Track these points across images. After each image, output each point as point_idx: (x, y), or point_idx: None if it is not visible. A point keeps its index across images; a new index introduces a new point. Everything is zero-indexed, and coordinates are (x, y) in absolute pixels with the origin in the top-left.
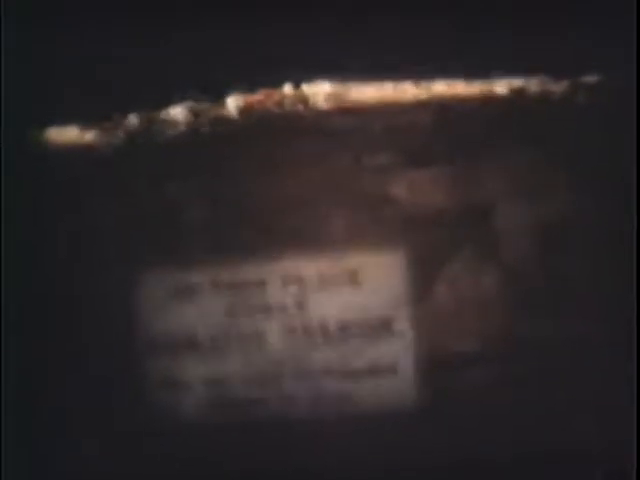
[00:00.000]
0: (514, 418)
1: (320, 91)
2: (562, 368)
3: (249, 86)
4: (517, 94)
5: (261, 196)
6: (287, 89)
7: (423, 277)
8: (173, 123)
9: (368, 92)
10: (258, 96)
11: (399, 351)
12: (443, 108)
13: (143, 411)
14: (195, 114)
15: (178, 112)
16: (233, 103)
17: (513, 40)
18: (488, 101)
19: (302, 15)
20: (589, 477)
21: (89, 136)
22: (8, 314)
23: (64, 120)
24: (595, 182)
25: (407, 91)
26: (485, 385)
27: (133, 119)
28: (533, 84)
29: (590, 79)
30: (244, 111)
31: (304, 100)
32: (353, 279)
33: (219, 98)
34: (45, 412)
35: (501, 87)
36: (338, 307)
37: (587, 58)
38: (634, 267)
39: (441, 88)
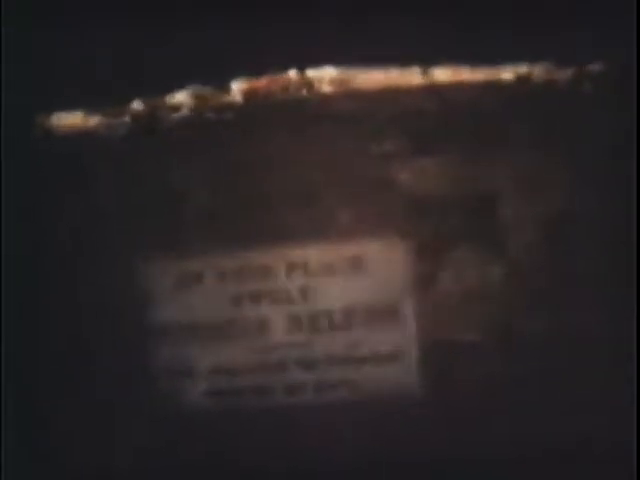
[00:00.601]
0: (515, 408)
1: (325, 76)
2: (563, 359)
3: (254, 71)
4: (522, 81)
5: (266, 183)
6: (292, 74)
7: (427, 265)
8: (177, 108)
9: (374, 78)
10: (263, 81)
11: (403, 338)
12: (449, 94)
13: (148, 400)
14: (199, 99)
15: (182, 97)
16: (238, 88)
17: (519, 26)
18: (494, 87)
19: (309, 1)
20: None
21: (93, 121)
22: (10, 302)
23: (69, 105)
24: (599, 172)
25: (413, 77)
26: (487, 374)
27: (137, 104)
28: (538, 71)
29: (595, 67)
30: (248, 96)
31: (309, 85)
32: (357, 266)
33: (223, 83)
34: (49, 401)
35: (507, 74)
36: (342, 294)
37: (593, 46)
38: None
39: (447, 74)
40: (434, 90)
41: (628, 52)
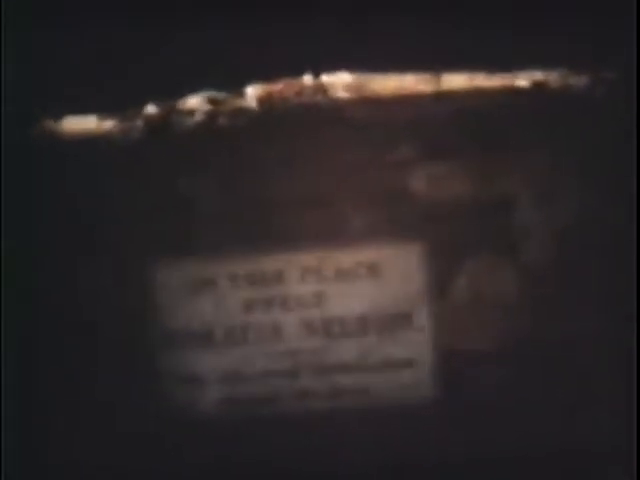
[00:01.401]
0: (528, 415)
1: (340, 82)
2: (578, 367)
3: (268, 76)
4: (538, 87)
5: (279, 188)
6: (307, 79)
7: (442, 272)
8: (192, 113)
9: (388, 83)
10: (277, 86)
11: (417, 345)
12: (464, 101)
13: (159, 405)
14: (214, 104)
15: (197, 102)
16: (252, 93)
17: (534, 33)
18: (509, 94)
19: (324, 4)
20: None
21: (107, 125)
22: (18, 308)
23: (82, 109)
24: (615, 178)
25: (428, 83)
26: (501, 382)
27: (151, 108)
28: (553, 77)
29: (611, 73)
30: (263, 101)
31: (324, 91)
32: (372, 273)
33: (238, 88)
34: (58, 406)
35: (522, 80)
36: (356, 301)
37: (608, 52)
38: None
39: (462, 81)
40: (449, 96)
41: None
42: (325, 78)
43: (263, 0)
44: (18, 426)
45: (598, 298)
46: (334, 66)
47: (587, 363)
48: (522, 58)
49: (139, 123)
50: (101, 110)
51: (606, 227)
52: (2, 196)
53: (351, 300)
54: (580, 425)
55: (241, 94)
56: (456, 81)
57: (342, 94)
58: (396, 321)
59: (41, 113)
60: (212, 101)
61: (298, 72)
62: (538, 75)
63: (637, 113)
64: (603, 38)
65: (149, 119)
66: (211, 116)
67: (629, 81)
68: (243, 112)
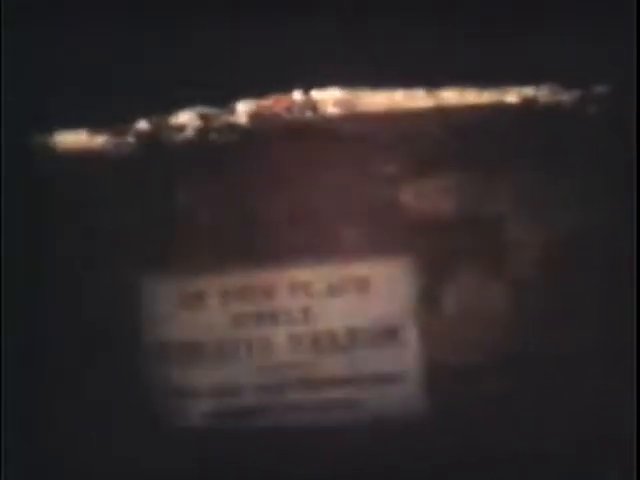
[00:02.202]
0: (519, 429)
1: (330, 97)
2: (567, 380)
3: (259, 92)
4: (528, 103)
5: (269, 203)
6: (297, 95)
7: (431, 286)
8: (182, 128)
9: (378, 99)
10: (268, 102)
11: (405, 359)
12: (453, 117)
13: (148, 419)
14: (205, 120)
15: (188, 117)
16: (243, 109)
17: (525, 49)
18: (499, 109)
19: (313, 20)
20: None
21: (99, 141)
22: (11, 321)
23: (74, 124)
24: (604, 193)
25: (417, 99)
26: (489, 395)
27: (143, 124)
28: (544, 93)
29: (601, 89)
30: (253, 117)
31: (313, 106)
32: (361, 287)
33: (228, 104)
34: (50, 420)
35: (512, 96)
36: (345, 315)
37: (598, 68)
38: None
39: (452, 96)
40: (439, 112)
41: (633, 74)
42: (315, 94)
43: (254, 17)
44: (17, 438)
45: (588, 312)
46: (324, 82)
47: (578, 377)
48: (512, 74)
49: (130, 139)
50: (93, 125)
51: (596, 241)
52: None
53: (340, 314)
54: (570, 438)
55: (232, 110)
56: (446, 97)
57: (332, 110)
58: (385, 335)
59: (33, 128)
60: (203, 117)
61: (288, 88)
62: (528, 91)
63: (629, 128)
64: (594, 54)
65: (140, 134)
66: (202, 132)
67: (619, 96)
68: (233, 128)
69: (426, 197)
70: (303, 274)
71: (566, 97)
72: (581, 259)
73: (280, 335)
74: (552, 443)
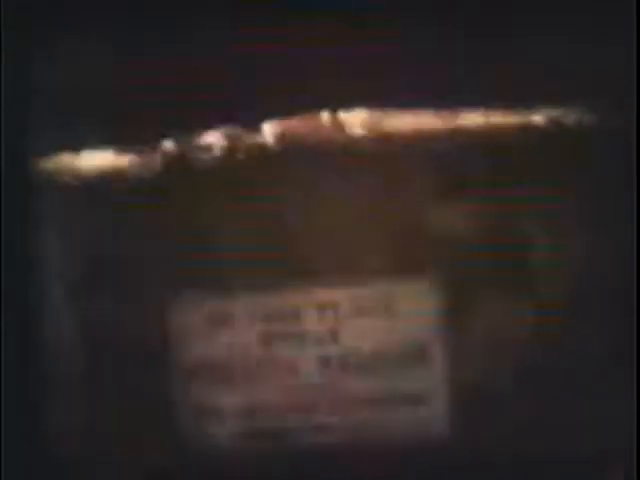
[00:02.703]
0: (545, 452)
1: (357, 118)
2: (587, 396)
3: (285, 113)
4: (555, 124)
5: (296, 224)
6: (324, 116)
7: (458, 307)
8: (209, 148)
9: (405, 120)
10: (294, 122)
11: (432, 380)
12: (480, 137)
13: (175, 440)
14: (231, 140)
15: (214, 137)
16: (269, 129)
17: (555, 70)
18: (525, 130)
19: (340, 41)
20: None
21: (124, 160)
22: (32, 340)
23: (98, 144)
24: (632, 216)
25: (444, 120)
26: (516, 418)
27: (168, 144)
28: (571, 114)
29: (628, 109)
30: (280, 137)
31: (340, 127)
32: (388, 308)
33: (255, 124)
34: (73, 438)
35: (539, 117)
36: (372, 336)
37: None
38: None
39: (478, 117)
40: (465, 133)
41: None
42: (342, 114)
43: (282, 39)
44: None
45: (614, 333)
46: (351, 102)
47: (597, 390)
48: (539, 94)
49: (157, 158)
50: (118, 145)
51: (621, 265)
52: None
53: (367, 335)
54: (597, 455)
55: (258, 130)
56: (472, 117)
57: (359, 130)
58: (411, 356)
59: (57, 148)
60: (229, 137)
61: (315, 109)
62: (556, 112)
63: None
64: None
65: (166, 154)
66: (228, 152)
67: None
68: (260, 148)
69: (452, 218)
70: (330, 295)
71: (592, 118)
72: (609, 283)
73: (307, 356)
74: (579, 460)
